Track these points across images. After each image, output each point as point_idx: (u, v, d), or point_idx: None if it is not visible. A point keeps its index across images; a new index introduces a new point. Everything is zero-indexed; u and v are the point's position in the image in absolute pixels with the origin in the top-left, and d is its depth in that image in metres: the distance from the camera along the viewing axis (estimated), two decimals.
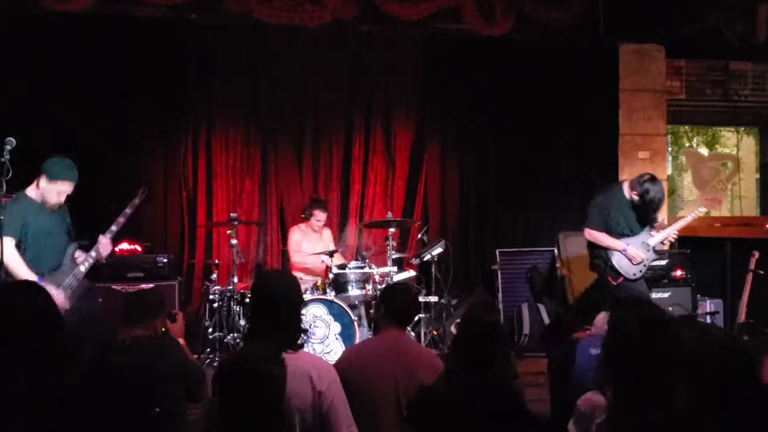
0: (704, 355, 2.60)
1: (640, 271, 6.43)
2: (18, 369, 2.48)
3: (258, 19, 8.18)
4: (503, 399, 3.01)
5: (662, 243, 6.58)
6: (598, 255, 6.52)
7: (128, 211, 5.57)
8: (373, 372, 3.64)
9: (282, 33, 8.48)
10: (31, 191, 5.22)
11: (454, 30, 8.83)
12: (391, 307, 4.14)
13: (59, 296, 5.01)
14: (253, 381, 2.62)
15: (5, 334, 2.53)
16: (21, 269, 4.99)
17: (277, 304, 3.23)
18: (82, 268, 5.29)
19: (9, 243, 4.95)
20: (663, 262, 7.99)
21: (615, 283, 6.38)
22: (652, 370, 2.62)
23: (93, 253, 5.36)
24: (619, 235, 6.44)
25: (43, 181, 5.17)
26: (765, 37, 8.25)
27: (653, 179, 6.34)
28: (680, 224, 6.65)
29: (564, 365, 4.25)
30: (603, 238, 6.44)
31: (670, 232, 6.56)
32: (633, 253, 6.35)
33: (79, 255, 5.38)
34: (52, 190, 5.18)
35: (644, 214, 6.49)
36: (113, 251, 6.81)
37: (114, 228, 5.47)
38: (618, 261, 6.39)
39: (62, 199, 5.27)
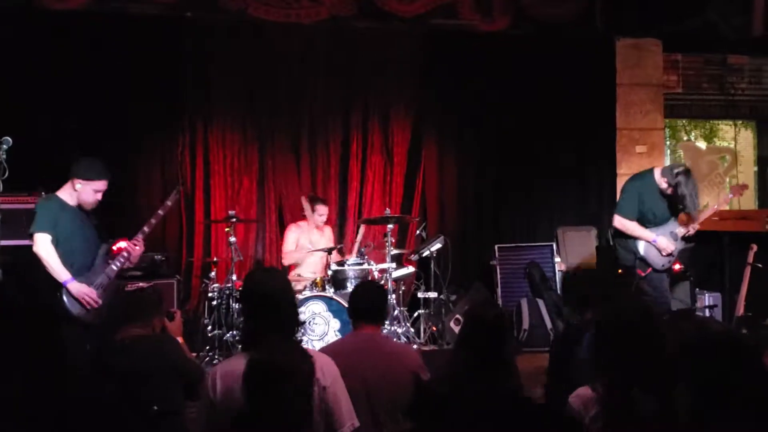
0: (703, 349, 2.60)
1: (669, 262, 6.37)
2: (15, 369, 2.48)
3: (254, 17, 8.18)
4: (513, 398, 3.01)
5: (687, 235, 6.49)
6: (627, 246, 6.40)
7: (161, 212, 5.58)
8: (342, 372, 3.60)
9: (279, 30, 8.47)
10: (63, 194, 5.23)
11: (452, 26, 8.83)
12: (362, 306, 4.11)
13: (92, 295, 5.04)
14: (288, 379, 2.65)
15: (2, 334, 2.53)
16: (57, 266, 5.02)
17: (272, 301, 3.22)
18: (114, 267, 5.30)
19: (45, 238, 5.02)
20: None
21: (644, 274, 6.29)
22: (641, 363, 2.62)
23: (125, 254, 5.37)
24: (649, 223, 6.34)
25: (78, 184, 5.17)
26: (761, 30, 8.26)
27: (687, 172, 6.23)
28: (706, 213, 6.58)
29: (564, 349, 4.20)
30: (634, 228, 6.32)
31: (696, 223, 6.47)
32: (664, 244, 6.27)
33: (111, 255, 5.40)
34: (89, 191, 5.20)
35: (673, 203, 6.37)
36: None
37: (146, 229, 5.48)
38: (646, 252, 6.31)
39: (99, 197, 5.29)
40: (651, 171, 6.49)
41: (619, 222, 6.41)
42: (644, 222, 6.36)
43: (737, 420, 2.41)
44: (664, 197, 6.34)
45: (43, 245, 5.01)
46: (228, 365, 3.16)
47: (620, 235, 6.46)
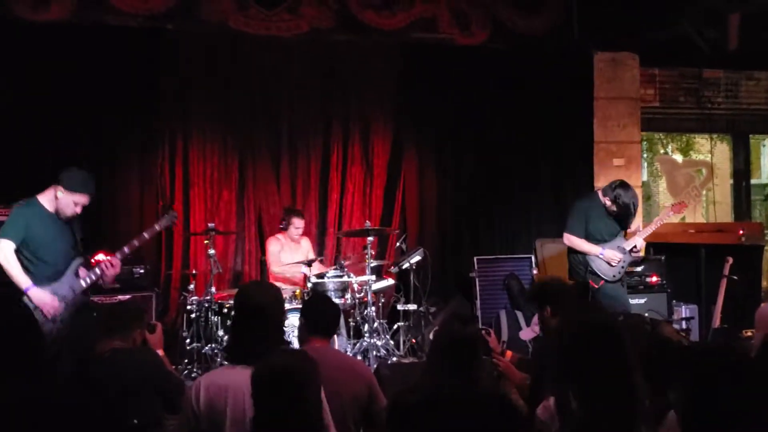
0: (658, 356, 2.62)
1: (619, 272, 6.63)
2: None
3: (234, 29, 8.19)
4: (486, 406, 3.03)
5: (635, 249, 6.72)
6: (578, 260, 6.68)
7: (146, 235, 5.58)
8: None
9: (259, 43, 8.48)
10: (43, 199, 5.20)
11: (431, 39, 8.87)
12: (311, 318, 4.06)
13: (53, 304, 5.01)
14: (296, 387, 2.67)
15: None
16: (17, 272, 4.99)
17: (264, 315, 3.22)
18: (82, 283, 5.26)
19: (7, 245, 4.99)
20: (638, 269, 8.10)
21: (597, 287, 6.52)
22: (602, 372, 2.63)
23: (97, 270, 5.32)
24: (597, 242, 6.61)
25: (60, 192, 5.15)
26: (736, 45, 8.36)
27: (623, 184, 6.56)
28: (648, 229, 6.83)
29: (543, 361, 4.21)
30: (581, 243, 6.62)
31: (639, 238, 6.73)
32: (610, 255, 6.54)
33: (82, 270, 5.33)
34: (69, 202, 5.17)
35: (620, 222, 6.69)
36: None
37: (126, 249, 5.45)
38: (597, 265, 6.57)
39: (79, 210, 5.25)
40: (596, 192, 6.82)
41: (567, 239, 6.72)
42: (591, 241, 6.65)
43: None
44: (610, 216, 6.62)
45: (3, 252, 4.98)
46: (212, 377, 3.16)
47: (571, 251, 6.76)
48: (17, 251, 5.06)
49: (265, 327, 3.20)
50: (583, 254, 6.60)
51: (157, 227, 5.67)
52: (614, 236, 6.66)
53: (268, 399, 2.69)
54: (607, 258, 6.52)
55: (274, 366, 2.76)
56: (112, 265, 5.34)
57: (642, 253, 7.78)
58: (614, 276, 6.60)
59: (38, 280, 5.06)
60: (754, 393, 2.38)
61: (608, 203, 6.53)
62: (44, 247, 5.14)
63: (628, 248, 6.61)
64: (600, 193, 6.66)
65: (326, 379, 3.48)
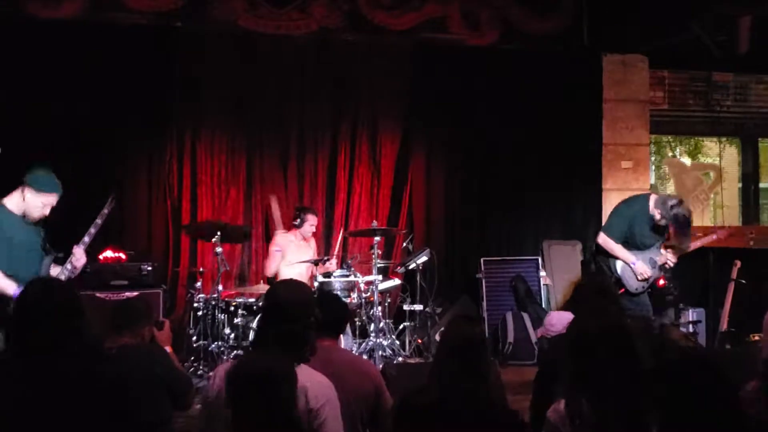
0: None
1: (643, 287, 6.49)
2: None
3: (244, 28, 8.20)
4: (490, 407, 3.03)
5: (668, 265, 6.61)
6: (605, 263, 6.53)
7: (99, 221, 5.44)
8: None
9: (268, 41, 8.48)
10: (10, 203, 5.09)
11: (441, 40, 8.87)
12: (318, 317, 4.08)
13: None
14: (267, 385, 2.63)
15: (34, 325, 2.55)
16: (1, 281, 4.92)
17: (282, 314, 3.22)
18: (61, 278, 5.24)
19: None
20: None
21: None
22: (613, 376, 2.61)
23: (68, 266, 5.27)
24: (634, 248, 6.46)
25: (28, 194, 5.06)
26: (747, 48, 8.34)
27: (681, 203, 6.35)
28: (690, 247, 6.71)
29: (550, 365, 4.19)
30: (615, 247, 6.45)
31: (674, 258, 6.63)
32: (641, 269, 6.39)
33: (54, 268, 5.29)
34: (38, 203, 5.08)
35: (659, 232, 6.52)
36: (98, 259, 6.76)
37: (86, 239, 5.37)
38: (623, 272, 6.43)
39: (47, 212, 5.16)
40: (646, 197, 6.60)
41: (603, 240, 6.54)
42: (628, 246, 6.48)
43: None
44: (654, 226, 6.45)
45: None
46: (229, 365, 3.16)
47: (601, 252, 6.60)
48: None
49: (285, 325, 3.19)
50: (613, 258, 6.46)
51: (106, 210, 5.49)
52: (650, 247, 6.54)
53: (242, 399, 2.69)
54: (637, 270, 6.39)
55: (248, 366, 2.75)
56: (77, 257, 5.28)
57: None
58: (636, 290, 6.48)
59: (20, 283, 4.94)
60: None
61: (658, 216, 6.36)
62: (21, 252, 5.05)
63: (659, 263, 6.49)
64: (651, 203, 6.46)
65: (334, 377, 3.49)
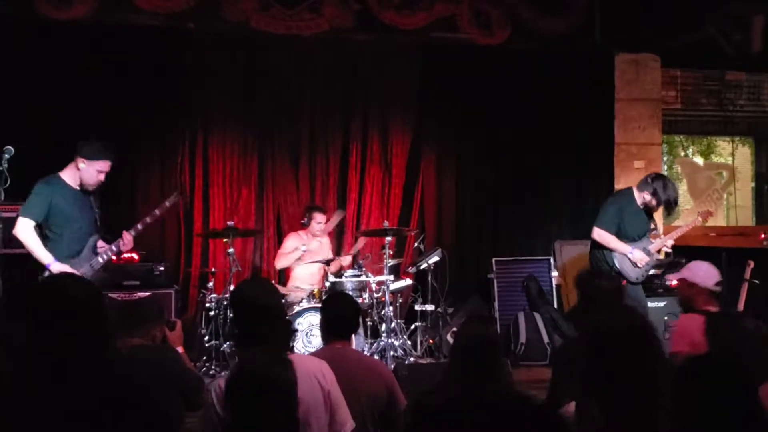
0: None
1: (642, 275, 6.60)
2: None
3: (256, 28, 8.21)
4: (508, 405, 3.00)
5: (657, 252, 6.69)
6: (602, 257, 6.60)
7: (157, 212, 5.69)
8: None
9: (279, 42, 8.49)
10: (65, 175, 5.30)
11: (451, 39, 8.85)
12: (329, 318, 4.03)
13: None
14: (268, 387, 2.63)
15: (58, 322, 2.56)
16: (37, 248, 5.10)
17: (259, 310, 3.23)
18: (100, 260, 5.39)
19: (27, 224, 5.11)
20: (658, 271, 8.05)
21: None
22: (631, 378, 2.57)
23: (113, 248, 5.45)
24: (627, 240, 6.54)
25: (81, 163, 5.26)
26: (760, 47, 8.29)
27: (659, 176, 6.55)
28: (676, 233, 6.77)
29: (565, 365, 4.13)
30: (611, 240, 6.53)
31: (666, 241, 6.70)
32: (638, 257, 6.48)
33: (102, 245, 5.46)
34: (92, 171, 5.28)
35: (647, 219, 6.66)
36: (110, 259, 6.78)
37: (139, 226, 5.59)
38: (622, 265, 6.49)
39: (102, 178, 5.37)
40: (629, 189, 6.78)
41: (598, 234, 6.62)
42: (621, 238, 6.56)
43: None
44: (645, 213, 6.60)
45: (23, 229, 5.10)
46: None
47: (597, 246, 6.67)
48: (39, 227, 5.15)
49: (260, 324, 3.22)
50: (609, 251, 6.53)
51: (167, 203, 5.73)
52: (642, 236, 6.62)
53: (234, 405, 2.68)
54: (634, 259, 6.47)
55: (248, 370, 2.75)
56: (125, 242, 5.46)
57: (662, 256, 7.74)
58: (637, 278, 6.55)
59: (59, 256, 5.14)
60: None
61: (647, 198, 6.48)
62: (67, 223, 5.24)
63: (653, 250, 6.58)
64: (635, 191, 6.62)
65: (346, 378, 3.49)
